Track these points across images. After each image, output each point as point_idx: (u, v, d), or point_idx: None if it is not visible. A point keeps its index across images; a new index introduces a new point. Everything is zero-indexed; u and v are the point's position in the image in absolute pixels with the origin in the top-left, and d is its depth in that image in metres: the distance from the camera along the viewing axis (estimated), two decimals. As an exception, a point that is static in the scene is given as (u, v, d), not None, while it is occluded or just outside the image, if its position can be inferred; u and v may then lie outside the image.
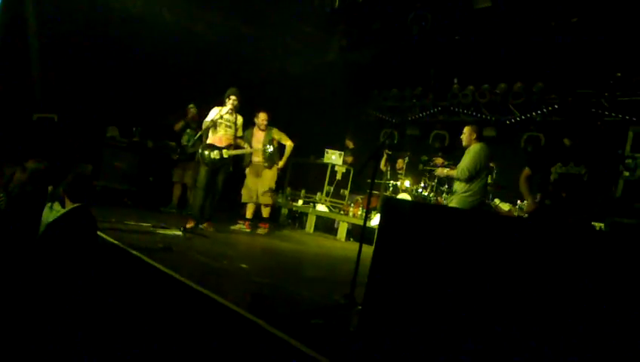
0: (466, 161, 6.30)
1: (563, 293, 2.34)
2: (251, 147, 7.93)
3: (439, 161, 7.89)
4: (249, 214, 8.31)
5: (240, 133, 7.60)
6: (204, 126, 7.42)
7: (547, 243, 2.48)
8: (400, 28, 9.89)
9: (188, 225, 6.89)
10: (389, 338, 2.97)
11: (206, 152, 7.25)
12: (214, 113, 7.36)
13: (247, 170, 8.23)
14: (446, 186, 9.27)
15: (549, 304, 2.36)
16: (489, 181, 8.37)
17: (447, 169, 6.87)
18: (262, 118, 8.04)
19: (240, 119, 7.55)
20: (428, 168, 8.96)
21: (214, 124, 7.32)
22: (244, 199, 8.29)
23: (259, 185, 8.12)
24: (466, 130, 6.56)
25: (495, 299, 2.54)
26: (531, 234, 2.61)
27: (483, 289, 2.60)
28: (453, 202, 6.49)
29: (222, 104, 7.40)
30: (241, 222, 8.29)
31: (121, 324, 3.47)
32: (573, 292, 2.32)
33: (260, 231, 8.16)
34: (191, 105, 9.31)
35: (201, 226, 7.24)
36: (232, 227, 8.15)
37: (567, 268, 2.35)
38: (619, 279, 2.22)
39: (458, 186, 6.46)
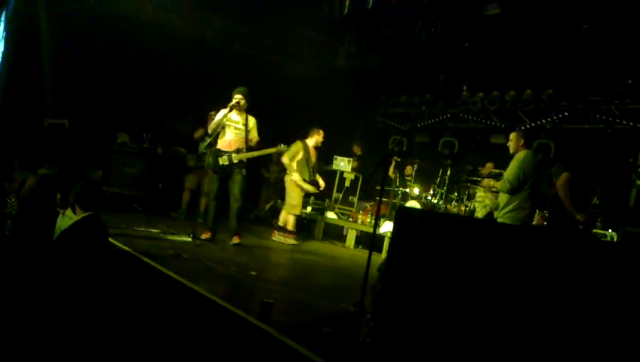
0: (508, 170, 5.83)
1: (578, 303, 2.31)
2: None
3: (487, 170, 7.26)
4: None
5: (253, 135, 7.01)
6: (210, 130, 7.01)
7: (561, 252, 2.46)
8: (409, 34, 9.90)
9: (203, 236, 6.73)
10: (401, 347, 2.95)
11: (213, 159, 6.82)
12: (220, 115, 6.91)
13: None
14: (455, 194, 9.25)
15: (565, 313, 2.34)
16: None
17: (494, 180, 6.29)
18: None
19: (252, 120, 7.02)
20: (472, 178, 8.36)
21: (222, 127, 6.90)
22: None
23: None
24: (512, 136, 6.06)
25: (511, 307, 2.52)
26: (544, 244, 2.59)
27: (498, 297, 2.58)
28: (500, 218, 5.91)
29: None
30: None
31: (132, 330, 3.47)
32: (589, 302, 2.29)
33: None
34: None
35: (230, 242, 6.81)
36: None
37: (582, 278, 2.33)
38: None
39: (502, 200, 5.94)
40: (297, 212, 8.32)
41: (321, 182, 8.44)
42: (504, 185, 5.72)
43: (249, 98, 6.97)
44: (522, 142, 5.90)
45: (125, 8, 9.50)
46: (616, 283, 2.25)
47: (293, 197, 8.20)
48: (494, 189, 6.14)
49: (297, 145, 8.16)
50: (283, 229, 8.21)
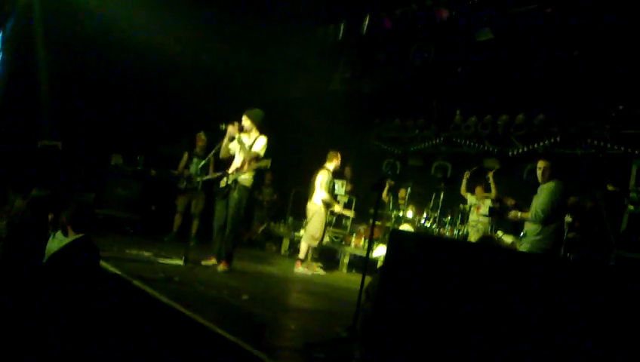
0: (539, 200, 5.73)
1: (573, 327, 2.30)
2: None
3: (511, 201, 7.42)
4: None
5: (252, 153, 6.70)
6: (220, 156, 7.00)
7: (553, 277, 2.46)
8: (403, 59, 9.99)
9: (205, 262, 6.73)
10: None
11: (217, 183, 6.81)
12: (225, 140, 6.85)
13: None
14: (449, 218, 9.26)
15: (557, 338, 2.33)
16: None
17: (521, 212, 6.19)
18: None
19: (260, 140, 6.79)
20: (497, 208, 8.47)
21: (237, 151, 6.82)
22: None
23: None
24: (541, 164, 5.92)
25: (505, 332, 2.51)
26: (536, 268, 2.59)
27: (492, 322, 2.56)
28: (523, 246, 5.87)
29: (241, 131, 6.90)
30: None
31: (123, 354, 3.42)
32: (583, 326, 2.28)
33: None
34: (201, 133, 9.20)
35: (217, 266, 6.66)
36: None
37: (576, 302, 2.32)
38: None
39: (529, 228, 5.83)
40: (316, 244, 8.32)
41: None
42: (536, 217, 5.64)
43: (258, 118, 6.91)
44: (550, 171, 5.83)
45: (121, 32, 9.57)
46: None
47: (318, 228, 8.12)
48: (524, 219, 5.98)
49: (327, 175, 8.17)
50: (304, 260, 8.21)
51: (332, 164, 8.31)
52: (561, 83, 8.66)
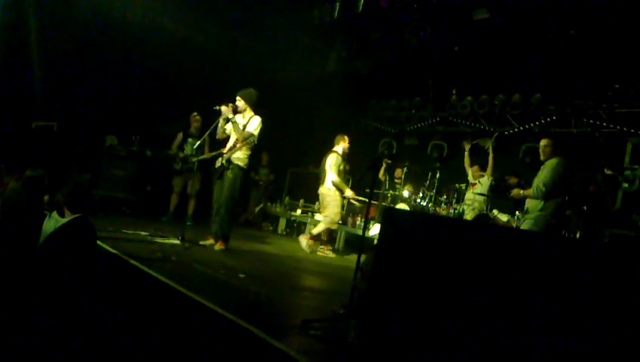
0: (542, 176, 5.84)
1: (567, 302, 2.32)
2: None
3: (514, 180, 7.44)
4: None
5: (245, 133, 6.66)
6: (217, 137, 7.00)
7: (546, 253, 2.47)
8: (399, 39, 9.94)
9: (202, 242, 6.75)
10: (388, 350, 2.95)
11: (213, 164, 6.81)
12: (221, 121, 6.86)
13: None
14: (444, 197, 9.28)
15: (552, 313, 2.35)
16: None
17: (523, 190, 6.27)
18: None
19: (253, 120, 6.77)
20: (502, 187, 8.56)
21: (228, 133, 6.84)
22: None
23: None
24: (544, 142, 6.09)
25: (498, 307, 2.53)
26: (529, 245, 2.60)
27: (485, 299, 2.59)
28: (526, 223, 5.96)
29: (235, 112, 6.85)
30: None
31: (120, 333, 3.45)
32: (575, 300, 2.30)
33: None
34: (195, 114, 9.18)
35: (214, 246, 6.68)
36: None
37: (569, 278, 2.34)
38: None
39: (531, 205, 5.94)
40: (335, 227, 8.44)
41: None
42: (538, 191, 5.76)
43: (252, 98, 6.87)
44: (552, 149, 5.97)
45: (115, 11, 9.48)
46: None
47: (337, 212, 8.15)
48: (527, 196, 6.08)
49: (337, 158, 8.15)
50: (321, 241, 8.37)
51: (340, 147, 8.31)
52: (557, 62, 8.65)
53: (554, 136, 6.28)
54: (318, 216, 10.46)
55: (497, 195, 8.66)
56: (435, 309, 2.79)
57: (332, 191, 8.12)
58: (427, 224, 3.24)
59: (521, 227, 6.12)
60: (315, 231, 8.26)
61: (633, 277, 2.20)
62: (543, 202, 5.73)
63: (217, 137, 7.02)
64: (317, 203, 10.81)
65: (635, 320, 2.14)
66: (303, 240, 8.21)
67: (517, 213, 8.13)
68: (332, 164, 8.06)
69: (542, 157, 6.02)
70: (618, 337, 2.18)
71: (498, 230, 3.73)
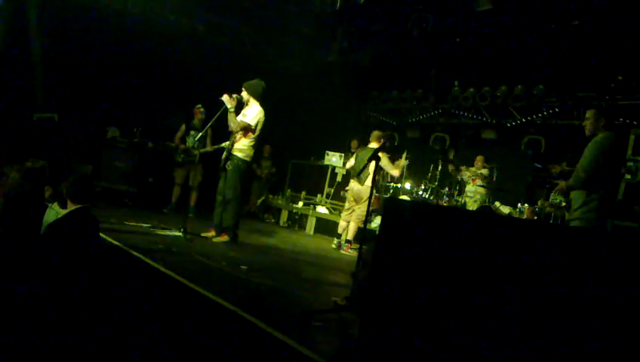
0: (583, 157, 4.71)
1: (576, 296, 2.31)
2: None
3: (556, 169, 6.07)
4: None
5: (243, 122, 6.57)
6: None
7: (554, 244, 2.45)
8: (401, 30, 9.89)
9: (204, 234, 6.74)
10: (389, 341, 2.95)
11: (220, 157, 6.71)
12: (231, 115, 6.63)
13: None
14: (446, 189, 9.28)
15: (559, 306, 2.34)
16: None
17: (564, 181, 5.08)
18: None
19: (253, 111, 6.70)
20: (541, 177, 7.96)
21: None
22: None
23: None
24: (590, 115, 4.96)
25: (503, 301, 2.52)
26: (537, 236, 2.57)
27: (488, 291, 2.58)
28: (573, 223, 4.80)
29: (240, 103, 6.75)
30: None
31: (122, 324, 3.46)
32: (585, 295, 2.29)
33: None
34: (199, 106, 9.13)
35: (216, 238, 6.69)
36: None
37: (576, 270, 2.32)
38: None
39: (576, 197, 4.82)
40: (361, 225, 8.31)
41: None
42: (577, 177, 4.66)
43: (257, 90, 6.78)
44: (603, 122, 4.84)
45: (116, 2, 9.45)
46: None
47: (364, 211, 8.03)
48: (565, 189, 4.95)
49: (384, 157, 7.90)
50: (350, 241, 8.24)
51: (376, 144, 8.11)
52: (560, 54, 8.61)
53: (600, 107, 5.14)
54: (321, 209, 10.48)
55: (501, 189, 8.63)
56: (437, 299, 2.78)
57: (368, 189, 8.02)
58: (428, 213, 3.22)
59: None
60: (351, 235, 8.19)
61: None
62: (586, 194, 4.61)
63: (229, 129, 6.73)
64: (318, 195, 10.80)
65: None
66: (347, 251, 8.12)
67: (519, 205, 8.12)
68: (388, 163, 7.99)
69: (587, 133, 4.92)
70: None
71: (503, 220, 3.68)
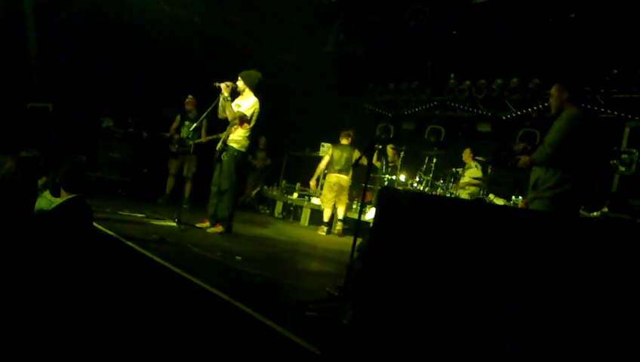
0: (549, 133, 4.42)
1: (569, 288, 2.31)
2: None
3: (519, 146, 5.52)
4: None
5: (238, 113, 6.55)
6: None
7: (551, 234, 2.45)
8: (397, 22, 9.86)
9: (199, 225, 6.74)
10: (383, 331, 2.96)
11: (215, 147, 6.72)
12: (228, 105, 6.59)
13: None
14: (441, 181, 9.29)
15: (554, 300, 2.34)
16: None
17: (528, 157, 4.72)
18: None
19: (247, 100, 6.68)
20: (503, 155, 7.72)
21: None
22: None
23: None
24: (553, 89, 4.66)
25: (496, 292, 2.53)
26: (532, 225, 2.57)
27: (483, 281, 2.58)
28: (536, 204, 4.43)
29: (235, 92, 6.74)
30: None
31: (116, 314, 3.46)
32: (578, 286, 2.29)
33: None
34: (190, 97, 9.13)
35: (211, 228, 6.69)
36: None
37: (571, 261, 2.32)
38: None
39: (538, 174, 4.49)
40: None
41: None
42: (543, 152, 4.36)
43: (253, 80, 6.77)
44: (567, 94, 4.53)
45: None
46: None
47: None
48: (528, 164, 4.62)
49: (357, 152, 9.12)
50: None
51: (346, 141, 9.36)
52: (556, 47, 8.60)
53: (567, 81, 4.67)
54: (315, 200, 10.48)
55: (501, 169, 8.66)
56: (431, 290, 2.79)
57: (350, 181, 9.26)
58: (423, 203, 3.22)
59: (531, 208, 4.51)
60: (342, 215, 9.29)
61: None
62: (555, 173, 4.28)
63: (219, 117, 6.78)
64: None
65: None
66: (340, 230, 9.21)
67: (513, 198, 8.15)
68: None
69: (553, 110, 4.65)
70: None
71: (497, 210, 3.67)
